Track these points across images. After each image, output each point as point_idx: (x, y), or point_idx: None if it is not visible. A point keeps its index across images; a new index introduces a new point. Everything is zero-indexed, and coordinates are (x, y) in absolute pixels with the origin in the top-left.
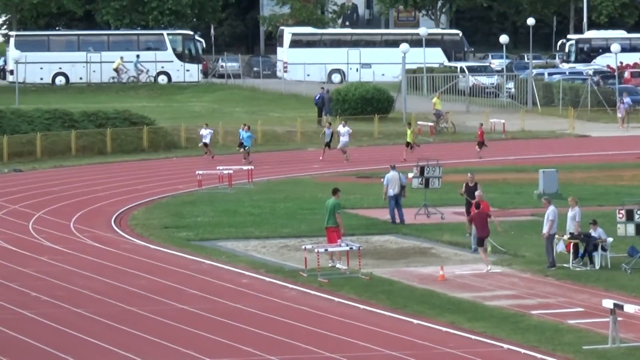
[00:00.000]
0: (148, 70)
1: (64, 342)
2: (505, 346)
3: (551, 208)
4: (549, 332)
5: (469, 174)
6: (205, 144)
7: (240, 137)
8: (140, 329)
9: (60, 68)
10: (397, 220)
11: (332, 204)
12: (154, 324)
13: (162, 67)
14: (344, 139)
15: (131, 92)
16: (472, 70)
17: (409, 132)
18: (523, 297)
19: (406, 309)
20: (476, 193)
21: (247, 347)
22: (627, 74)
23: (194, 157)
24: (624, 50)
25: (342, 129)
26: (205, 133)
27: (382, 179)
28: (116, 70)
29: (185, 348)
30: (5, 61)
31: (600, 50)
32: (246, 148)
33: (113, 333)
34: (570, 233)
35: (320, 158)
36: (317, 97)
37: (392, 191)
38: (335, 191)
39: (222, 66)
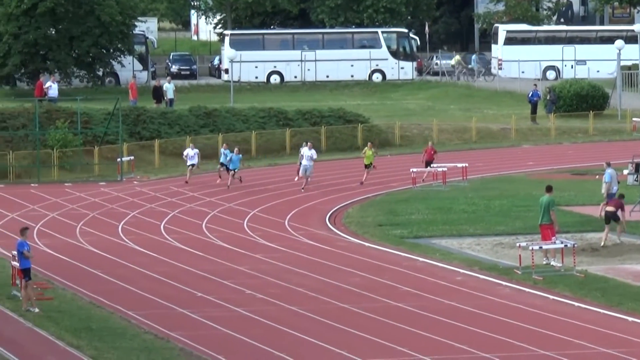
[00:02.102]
0: (487, 65)
1: (278, 339)
2: None
3: None
4: None
5: None
6: (192, 165)
7: (227, 158)
8: (354, 326)
9: (275, 67)
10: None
11: (546, 201)
12: (367, 321)
13: (377, 65)
14: (307, 164)
15: (345, 90)
16: None
17: (369, 153)
18: None
19: (621, 307)
20: None
21: (461, 345)
22: None
23: (408, 155)
24: None
25: (307, 151)
26: (192, 153)
27: (596, 176)
28: (454, 67)
29: (400, 345)
30: (220, 60)
31: None
32: (236, 171)
33: (327, 330)
34: None
35: (296, 179)
36: (530, 95)
37: (616, 188)
38: (549, 188)
39: (436, 64)
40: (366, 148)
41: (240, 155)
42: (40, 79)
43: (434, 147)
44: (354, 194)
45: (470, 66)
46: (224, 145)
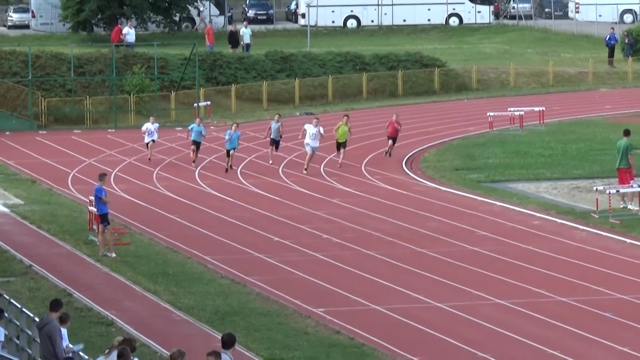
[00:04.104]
0: None
1: (355, 283)
2: None
3: None
4: None
5: None
6: (152, 141)
7: (191, 131)
8: (430, 270)
9: (351, 11)
10: None
11: (624, 145)
12: (444, 265)
13: (454, 9)
14: (313, 144)
15: (422, 34)
16: None
17: (344, 128)
18: None
19: None
20: None
21: (537, 289)
22: None
23: (485, 99)
24: None
25: (312, 129)
26: (153, 128)
27: None
28: None
29: (476, 289)
30: (297, 4)
31: None
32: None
33: (404, 275)
34: None
35: (270, 162)
36: (607, 38)
37: None
38: (627, 132)
39: (513, 7)
40: (340, 123)
41: (202, 126)
42: (120, 25)
43: (399, 121)
44: (431, 139)
45: None
46: (197, 120)
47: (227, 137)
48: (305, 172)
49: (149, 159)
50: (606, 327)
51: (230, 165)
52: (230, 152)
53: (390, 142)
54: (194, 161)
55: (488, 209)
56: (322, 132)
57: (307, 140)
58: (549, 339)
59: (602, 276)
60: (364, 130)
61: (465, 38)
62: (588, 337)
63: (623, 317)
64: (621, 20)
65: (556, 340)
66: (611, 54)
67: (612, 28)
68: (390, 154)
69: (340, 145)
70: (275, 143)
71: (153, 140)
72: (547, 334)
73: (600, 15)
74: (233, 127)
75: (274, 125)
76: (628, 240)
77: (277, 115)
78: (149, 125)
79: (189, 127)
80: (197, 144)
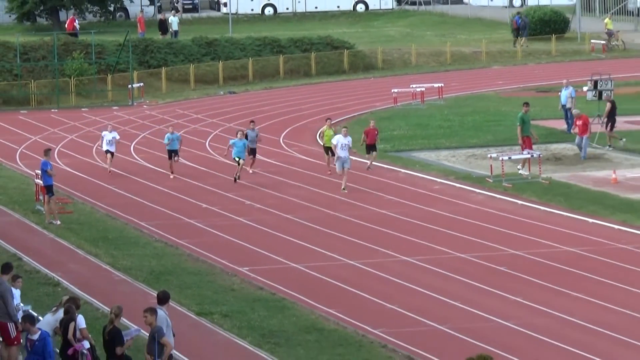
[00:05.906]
0: None
1: (275, 244)
2: None
3: None
4: None
5: None
6: (111, 154)
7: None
8: (344, 231)
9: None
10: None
11: (518, 117)
12: (356, 227)
13: None
14: (344, 155)
15: (332, 19)
16: None
17: (329, 132)
18: None
19: (582, 210)
20: (574, 111)
21: (440, 247)
22: None
23: (390, 77)
24: None
25: (342, 139)
26: (110, 137)
27: (559, 93)
28: None
29: (385, 248)
30: None
31: None
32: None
33: (319, 236)
34: None
35: (251, 171)
36: (522, 22)
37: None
38: (524, 104)
39: None
40: (325, 127)
41: (177, 134)
42: (73, 16)
43: (376, 127)
44: (341, 114)
45: None
46: (170, 128)
47: (232, 142)
48: (345, 191)
49: (109, 171)
50: (501, 280)
51: (238, 176)
52: (240, 161)
53: (373, 153)
54: (172, 172)
55: (394, 176)
56: (350, 143)
57: (339, 152)
58: (450, 290)
59: (497, 234)
60: (281, 107)
61: (371, 22)
62: (485, 288)
63: (515, 270)
64: (510, 4)
65: (457, 292)
66: (517, 35)
67: (519, 12)
68: (369, 167)
69: (327, 150)
70: (252, 151)
71: (112, 154)
72: (449, 286)
73: (491, 0)
74: (238, 135)
75: (250, 133)
76: (519, 202)
77: (251, 123)
78: (106, 134)
79: (166, 140)
80: (175, 152)
